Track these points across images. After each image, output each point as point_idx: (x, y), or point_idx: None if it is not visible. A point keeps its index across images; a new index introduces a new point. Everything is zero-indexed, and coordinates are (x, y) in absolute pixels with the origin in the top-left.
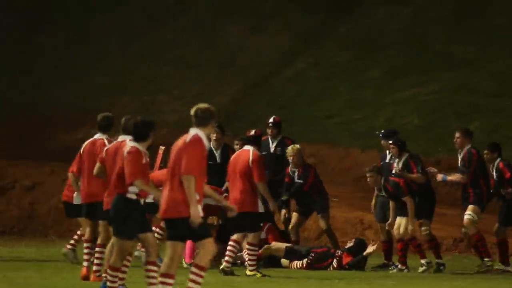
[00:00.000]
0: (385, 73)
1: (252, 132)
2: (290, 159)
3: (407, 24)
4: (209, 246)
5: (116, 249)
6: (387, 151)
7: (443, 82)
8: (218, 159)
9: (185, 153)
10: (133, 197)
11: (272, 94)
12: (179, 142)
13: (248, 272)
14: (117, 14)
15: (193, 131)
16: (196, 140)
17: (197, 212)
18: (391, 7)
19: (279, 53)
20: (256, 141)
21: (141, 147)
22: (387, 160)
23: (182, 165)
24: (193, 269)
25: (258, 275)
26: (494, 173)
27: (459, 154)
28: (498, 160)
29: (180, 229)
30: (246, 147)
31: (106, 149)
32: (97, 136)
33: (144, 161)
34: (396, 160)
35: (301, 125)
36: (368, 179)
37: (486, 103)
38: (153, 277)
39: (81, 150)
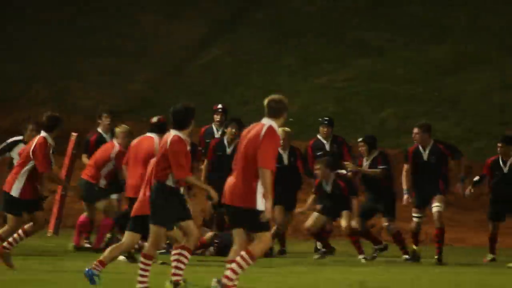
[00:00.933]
0: (300, 60)
1: (155, 119)
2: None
3: (322, 12)
4: (266, 239)
5: (151, 237)
6: (323, 138)
7: (358, 69)
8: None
9: (261, 145)
10: (173, 185)
11: (188, 81)
12: (252, 132)
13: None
14: (31, 2)
15: (267, 122)
16: (272, 132)
17: (270, 206)
18: None
19: (194, 40)
20: (161, 128)
21: (183, 135)
22: (328, 149)
23: (259, 158)
24: (243, 254)
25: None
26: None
27: (421, 148)
28: None
29: (242, 218)
30: (150, 134)
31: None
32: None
33: (187, 149)
34: (365, 158)
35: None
36: (316, 171)
37: (399, 90)
38: (181, 262)
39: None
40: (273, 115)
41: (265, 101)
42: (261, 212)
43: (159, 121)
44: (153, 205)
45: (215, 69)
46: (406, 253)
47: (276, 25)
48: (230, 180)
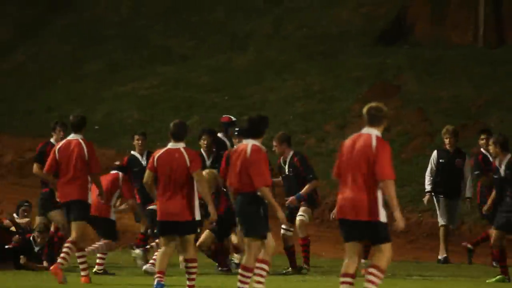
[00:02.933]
0: (105, 67)
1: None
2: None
3: (127, 18)
4: (388, 249)
5: (247, 250)
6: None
7: (162, 76)
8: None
9: (377, 158)
10: (259, 194)
11: None
12: (360, 144)
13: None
14: None
15: (372, 132)
16: (382, 141)
17: (401, 216)
18: (111, 1)
19: None
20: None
21: (259, 143)
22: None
23: (378, 170)
24: (372, 270)
25: None
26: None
27: (282, 162)
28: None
29: (365, 232)
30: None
31: (158, 156)
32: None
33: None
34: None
35: (21, 118)
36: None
37: (203, 98)
38: (261, 276)
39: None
40: (373, 123)
41: (365, 109)
42: (384, 223)
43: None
44: (245, 217)
45: (19, 74)
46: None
47: (80, 30)
48: (348, 195)
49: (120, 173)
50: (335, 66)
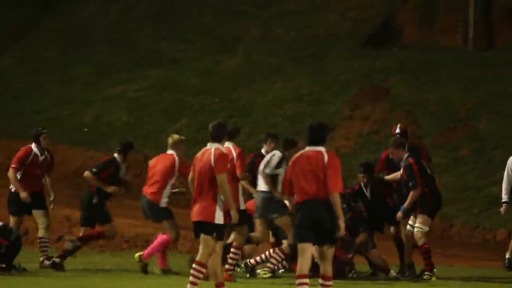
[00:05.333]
0: (93, 70)
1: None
2: None
3: (116, 21)
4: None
5: (328, 258)
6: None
7: (151, 79)
8: None
9: None
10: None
11: None
12: None
13: None
14: None
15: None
16: None
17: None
18: (100, 4)
19: None
20: None
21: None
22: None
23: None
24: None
25: None
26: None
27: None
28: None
29: None
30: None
31: (195, 156)
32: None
33: None
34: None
35: (8, 121)
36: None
37: (192, 101)
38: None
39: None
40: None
41: None
42: None
43: None
44: (324, 225)
45: (7, 77)
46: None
47: (69, 33)
48: None
49: None
50: (324, 69)
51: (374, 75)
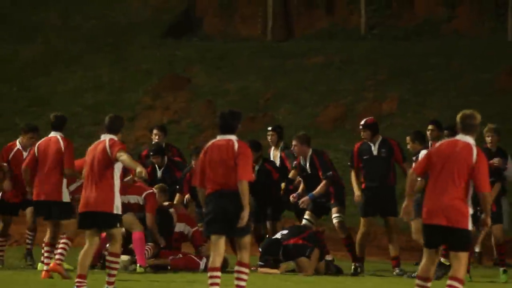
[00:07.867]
0: None
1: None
2: None
3: None
4: (466, 258)
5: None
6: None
7: None
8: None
9: (478, 169)
10: None
11: None
12: (457, 151)
13: None
14: None
15: (470, 141)
16: (481, 152)
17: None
18: None
19: None
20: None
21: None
22: None
23: (480, 184)
24: (454, 283)
25: None
26: None
27: (303, 160)
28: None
29: (451, 238)
30: None
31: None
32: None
33: None
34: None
35: None
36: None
37: None
38: None
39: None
40: (466, 130)
41: (458, 117)
42: (469, 232)
43: None
44: (233, 216)
45: None
46: None
47: None
48: (439, 199)
49: None
50: (125, 58)
51: (175, 65)
